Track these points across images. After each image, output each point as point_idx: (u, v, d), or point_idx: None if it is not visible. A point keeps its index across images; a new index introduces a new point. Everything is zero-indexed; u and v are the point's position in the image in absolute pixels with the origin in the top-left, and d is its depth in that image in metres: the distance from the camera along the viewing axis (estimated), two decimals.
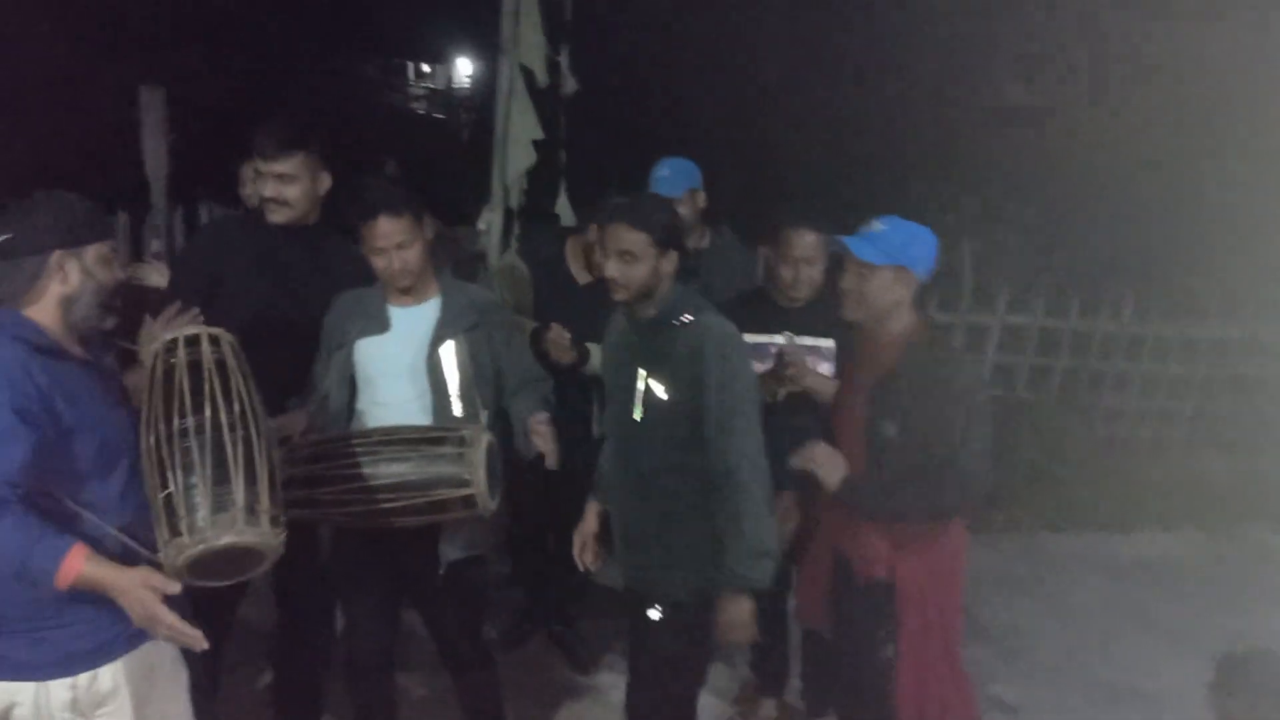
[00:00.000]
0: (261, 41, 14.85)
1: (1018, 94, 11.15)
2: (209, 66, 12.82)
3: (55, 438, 2.13)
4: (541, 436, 2.84)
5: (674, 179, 3.90)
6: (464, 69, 35.07)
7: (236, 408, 2.20)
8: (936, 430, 2.59)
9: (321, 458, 2.73)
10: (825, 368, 3.28)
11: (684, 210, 3.80)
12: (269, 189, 3.13)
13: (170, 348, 2.26)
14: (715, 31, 12.05)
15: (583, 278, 3.90)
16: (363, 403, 3.03)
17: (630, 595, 2.94)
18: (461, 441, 2.73)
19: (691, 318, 2.73)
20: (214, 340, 2.30)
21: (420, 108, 30.56)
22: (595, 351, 3.54)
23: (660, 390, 2.73)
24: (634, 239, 2.66)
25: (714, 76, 12.19)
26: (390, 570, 3.06)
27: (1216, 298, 7.34)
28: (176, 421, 2.16)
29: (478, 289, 3.19)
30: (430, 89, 34.77)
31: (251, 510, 2.13)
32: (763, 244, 3.33)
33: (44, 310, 2.24)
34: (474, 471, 2.68)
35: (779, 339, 3.31)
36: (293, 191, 3.14)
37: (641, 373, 2.76)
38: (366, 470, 2.70)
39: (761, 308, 3.38)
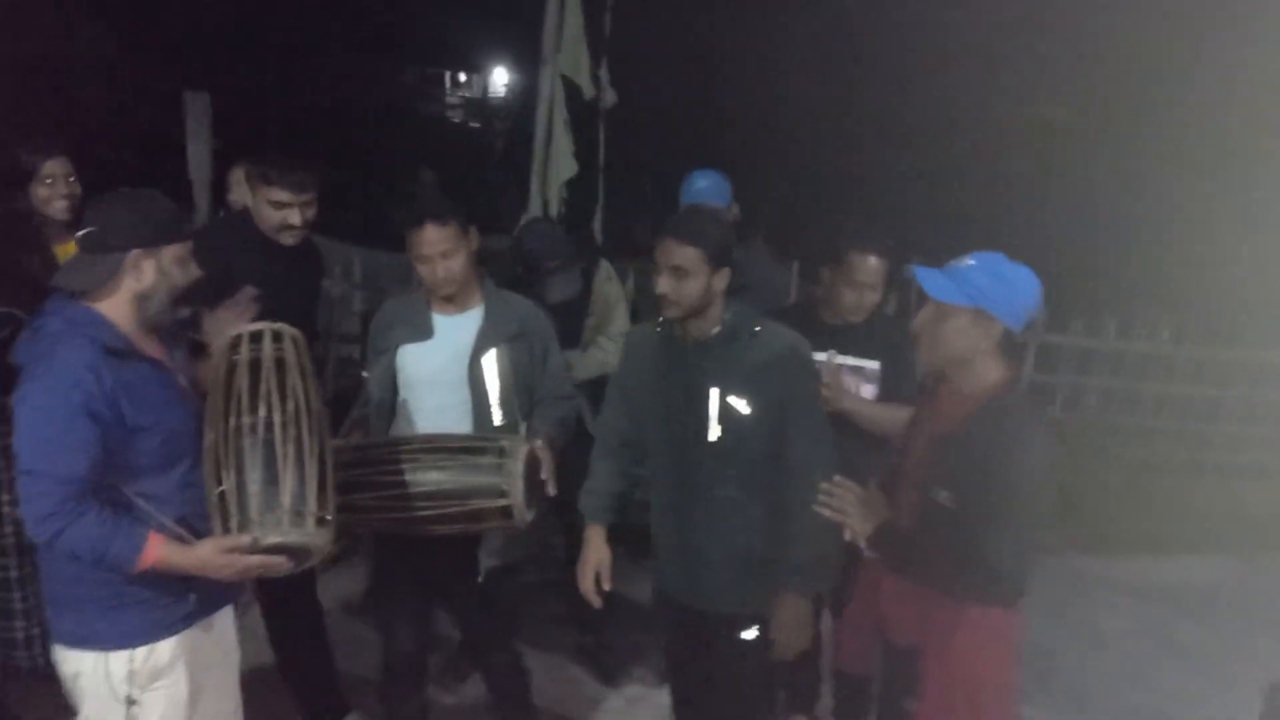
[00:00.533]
0: (303, 48, 15.03)
1: (1057, 114, 11.09)
2: (252, 72, 13.00)
3: (120, 436, 2.21)
4: (539, 463, 2.82)
5: (715, 189, 3.89)
6: (500, 78, 35.32)
7: (290, 406, 2.24)
8: (981, 508, 2.30)
9: (362, 463, 2.76)
10: (868, 390, 3.22)
11: None
12: (297, 218, 3.20)
13: (235, 344, 2.33)
14: (755, 46, 12.06)
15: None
16: (405, 408, 3.05)
17: (699, 618, 2.85)
18: (501, 452, 2.74)
19: (760, 328, 2.68)
20: (277, 337, 2.35)
21: (456, 117, 30.78)
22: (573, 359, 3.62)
23: (742, 405, 2.63)
24: (686, 254, 2.57)
25: (752, 90, 12.19)
26: (426, 576, 3.08)
27: (1254, 321, 7.26)
28: (233, 420, 2.22)
29: (520, 299, 3.21)
30: (466, 98, 35.01)
31: (298, 511, 2.20)
32: (826, 265, 3.24)
33: (117, 305, 2.30)
34: (512, 483, 2.69)
35: (821, 357, 3.22)
36: (311, 214, 3.26)
37: (715, 391, 2.65)
38: (406, 477, 2.72)
39: (806, 324, 3.23)
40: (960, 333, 2.37)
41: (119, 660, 2.33)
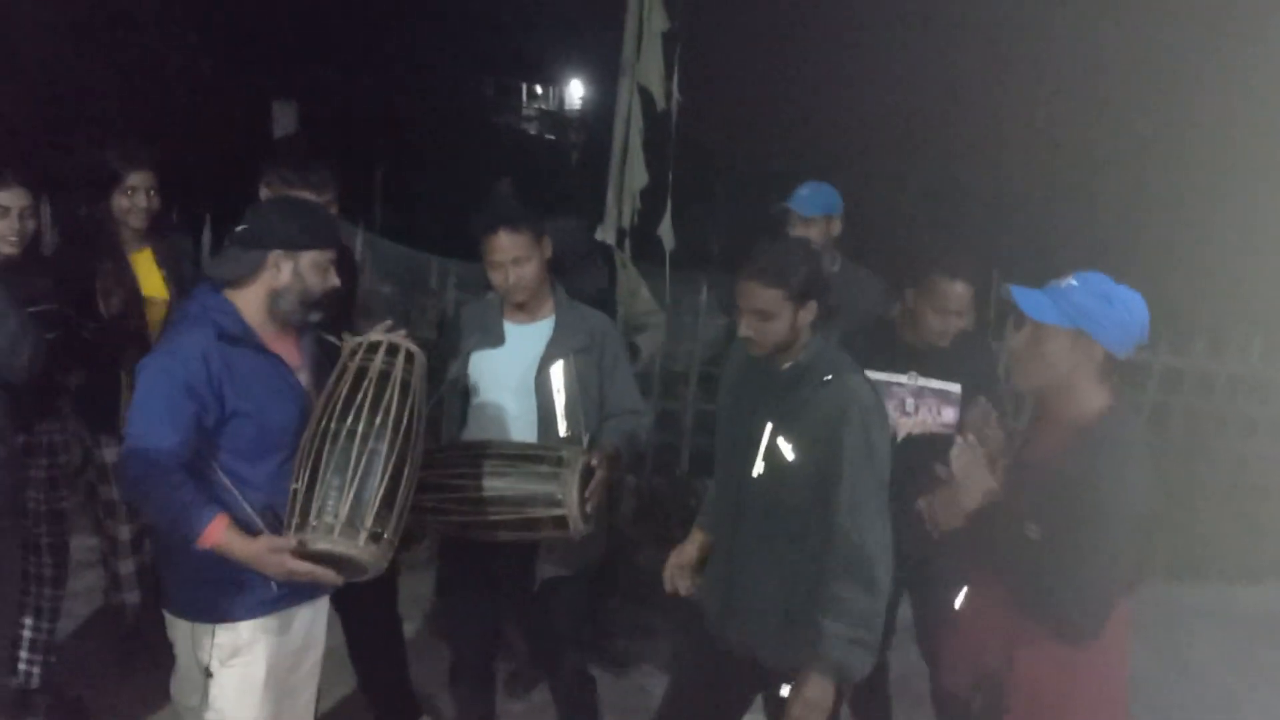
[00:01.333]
0: (387, 60, 15.36)
1: (1146, 128, 10.81)
2: (338, 83, 13.32)
3: (216, 416, 2.35)
4: (594, 480, 2.80)
5: (812, 199, 3.85)
6: (576, 91, 35.64)
7: (378, 421, 2.30)
8: (1071, 545, 2.18)
9: (424, 465, 2.79)
10: (949, 414, 3.14)
11: (815, 233, 3.77)
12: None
13: (354, 351, 2.42)
14: (834, 56, 11.98)
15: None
16: (472, 413, 3.08)
17: (729, 659, 2.71)
18: (559, 461, 2.74)
19: (832, 377, 2.51)
20: (392, 350, 2.41)
21: (532, 128, 31.12)
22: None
23: (788, 450, 2.51)
24: (768, 296, 2.45)
25: (830, 98, 12.10)
26: (491, 582, 3.10)
27: None
28: (324, 423, 2.29)
29: (592, 311, 3.22)
30: (542, 110, 35.39)
31: (352, 523, 2.25)
32: (910, 286, 3.16)
33: (249, 296, 2.44)
34: (567, 492, 2.68)
35: (903, 379, 3.19)
36: (334, 212, 3.25)
37: (769, 426, 2.54)
38: (465, 481, 2.74)
39: (889, 344, 3.21)
40: (1059, 356, 2.25)
41: (204, 632, 2.46)
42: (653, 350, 4.19)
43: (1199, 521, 6.11)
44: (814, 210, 3.83)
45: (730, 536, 2.69)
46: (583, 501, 2.71)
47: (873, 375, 3.01)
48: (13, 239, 3.15)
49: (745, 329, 2.51)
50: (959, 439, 2.48)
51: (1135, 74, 10.45)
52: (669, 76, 5.08)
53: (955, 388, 3.17)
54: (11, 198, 3.13)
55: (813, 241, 3.81)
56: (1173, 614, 5.18)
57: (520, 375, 3.00)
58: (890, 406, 3.11)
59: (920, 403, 3.17)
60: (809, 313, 2.51)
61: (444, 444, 2.96)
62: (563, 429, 2.99)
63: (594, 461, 2.79)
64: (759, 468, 2.55)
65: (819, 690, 2.43)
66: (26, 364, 2.98)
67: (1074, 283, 2.25)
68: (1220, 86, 10.35)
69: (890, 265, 3.95)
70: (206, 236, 5.12)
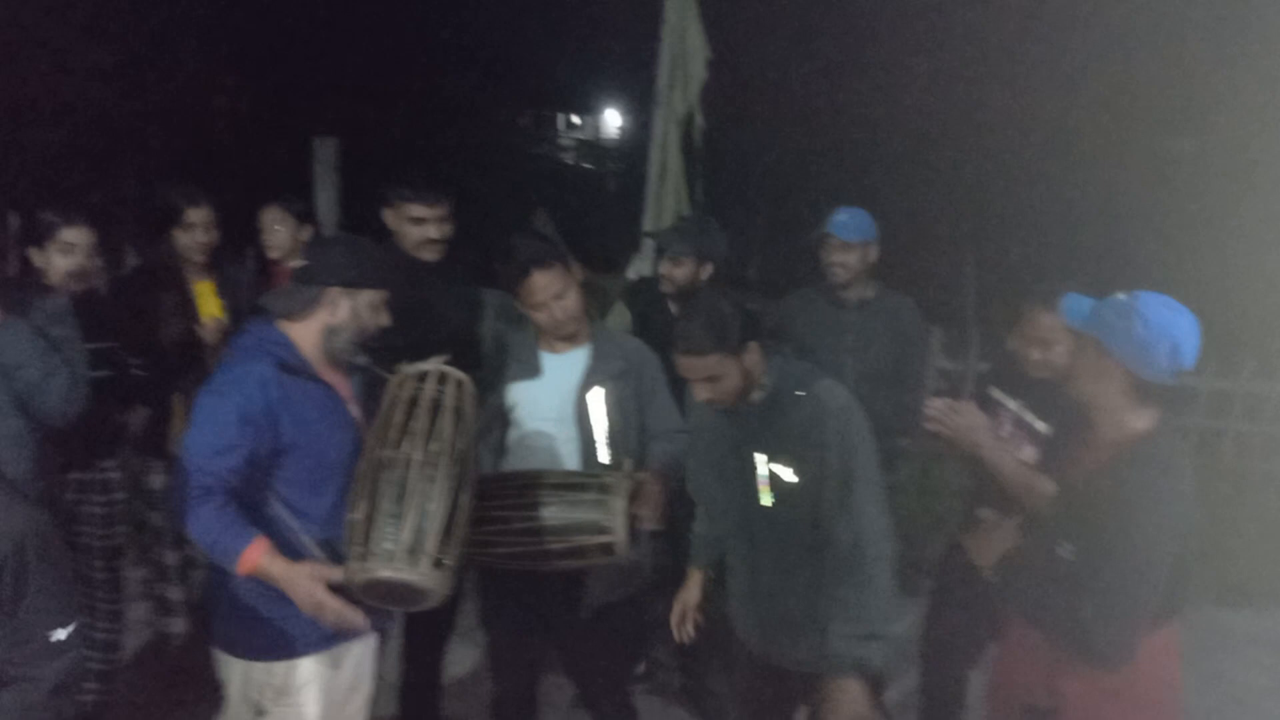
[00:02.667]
0: (425, 95, 15.57)
1: (1185, 145, 10.68)
2: (377, 119, 13.53)
3: (271, 446, 2.38)
4: (644, 497, 2.81)
5: (852, 224, 3.85)
6: (613, 120, 35.88)
7: (433, 448, 2.32)
8: (1104, 566, 2.15)
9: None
10: (1028, 452, 3.01)
11: (854, 259, 3.82)
12: (434, 231, 3.34)
13: (403, 381, 2.45)
14: (871, 87, 11.97)
15: None
16: (513, 444, 3.08)
17: (777, 673, 2.77)
18: (603, 489, 2.75)
19: (803, 392, 2.55)
20: (441, 379, 2.45)
21: (569, 158, 31.33)
22: None
23: (787, 474, 2.55)
24: (709, 364, 2.48)
25: (870, 124, 12.08)
26: (533, 612, 3.09)
27: None
28: (380, 452, 2.31)
29: (626, 336, 3.24)
30: (579, 140, 35.63)
31: (413, 550, 2.25)
32: (1007, 319, 3.21)
33: (306, 330, 2.49)
34: (614, 519, 2.69)
35: (1012, 404, 3.18)
36: (448, 229, 3.41)
37: (762, 458, 2.58)
38: (511, 513, 2.75)
39: (1010, 372, 3.22)
40: (1080, 364, 2.29)
41: (259, 670, 2.47)
42: None
43: (1250, 547, 5.98)
44: (854, 235, 3.83)
45: (749, 561, 2.73)
46: (629, 526, 2.72)
47: (995, 393, 3.19)
48: (78, 276, 3.25)
49: (702, 394, 2.54)
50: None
51: (1171, 87, 10.35)
52: (701, 101, 5.12)
53: (1042, 426, 3.09)
54: (78, 235, 3.24)
55: (849, 267, 3.84)
56: (1224, 640, 5.06)
57: (560, 404, 3.01)
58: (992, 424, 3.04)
59: (1015, 432, 3.13)
60: (753, 354, 2.54)
61: (485, 476, 2.95)
62: (604, 455, 3.00)
63: (644, 482, 2.81)
64: (768, 498, 2.59)
65: (845, 692, 2.48)
66: (59, 406, 3.02)
67: (1120, 296, 2.24)
68: (1260, 96, 10.21)
69: (934, 291, 3.94)
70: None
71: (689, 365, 2.51)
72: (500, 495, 2.78)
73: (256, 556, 2.30)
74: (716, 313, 2.52)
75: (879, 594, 2.48)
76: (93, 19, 10.11)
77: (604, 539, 2.70)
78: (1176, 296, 2.25)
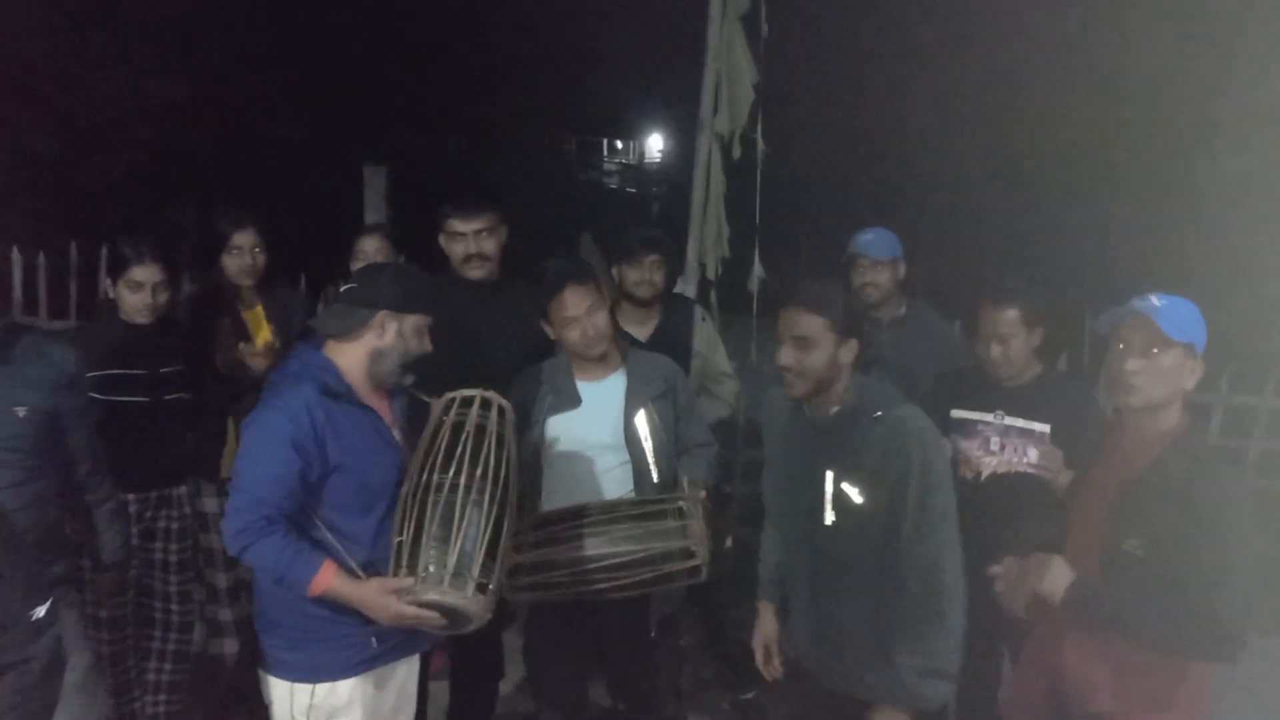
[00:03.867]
0: (473, 124, 15.79)
1: (1237, 162, 10.48)
2: (426, 147, 13.74)
3: (319, 471, 2.41)
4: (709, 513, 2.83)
5: (879, 243, 3.87)
6: (656, 144, 36.07)
7: (479, 472, 2.35)
8: (1191, 555, 2.19)
9: (548, 541, 2.79)
10: (1035, 454, 3.09)
11: (885, 277, 3.83)
12: (474, 246, 3.37)
13: (447, 406, 2.49)
14: (913, 108, 11.92)
15: (641, 332, 3.86)
16: (555, 478, 3.06)
17: (833, 698, 2.72)
18: (680, 514, 2.77)
19: (882, 413, 2.49)
20: (485, 404, 2.48)
21: (613, 182, 31.55)
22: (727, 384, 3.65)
23: (854, 494, 2.50)
24: (810, 323, 2.46)
25: (918, 142, 12.03)
26: (588, 637, 3.08)
27: None
28: (425, 476, 2.34)
29: (660, 356, 3.25)
30: (623, 164, 35.86)
31: (459, 574, 2.27)
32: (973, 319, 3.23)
33: (352, 353, 2.52)
34: (699, 544, 2.72)
35: (989, 417, 3.20)
36: (490, 246, 3.39)
37: (830, 475, 2.54)
38: (597, 550, 2.74)
39: (976, 383, 3.25)
40: (1175, 371, 2.31)
41: (303, 692, 2.50)
42: (732, 403, 4.18)
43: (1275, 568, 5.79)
44: (883, 253, 3.84)
45: (809, 584, 2.69)
46: (709, 546, 2.75)
47: (959, 414, 3.17)
48: (145, 311, 3.35)
49: (784, 357, 2.49)
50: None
51: (1224, 104, 10.17)
52: (754, 125, 5.13)
53: (1043, 428, 3.13)
54: (146, 273, 3.34)
55: (880, 286, 3.84)
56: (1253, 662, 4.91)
57: (607, 431, 3.02)
58: (974, 445, 3.17)
59: (1006, 442, 3.16)
60: (849, 350, 2.50)
61: (555, 516, 2.91)
62: (655, 476, 3.00)
63: (704, 499, 2.85)
64: (830, 517, 2.54)
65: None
66: (113, 548, 3.05)
67: (1166, 301, 2.33)
68: None
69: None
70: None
71: (790, 317, 2.49)
72: (583, 534, 2.76)
73: (328, 580, 2.34)
74: (839, 290, 2.57)
75: (951, 631, 2.43)
76: (158, 51, 10.40)
77: (692, 563, 2.73)
78: (1230, 317, 2.26)
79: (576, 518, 2.83)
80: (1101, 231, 10.52)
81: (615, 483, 3.02)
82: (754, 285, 5.21)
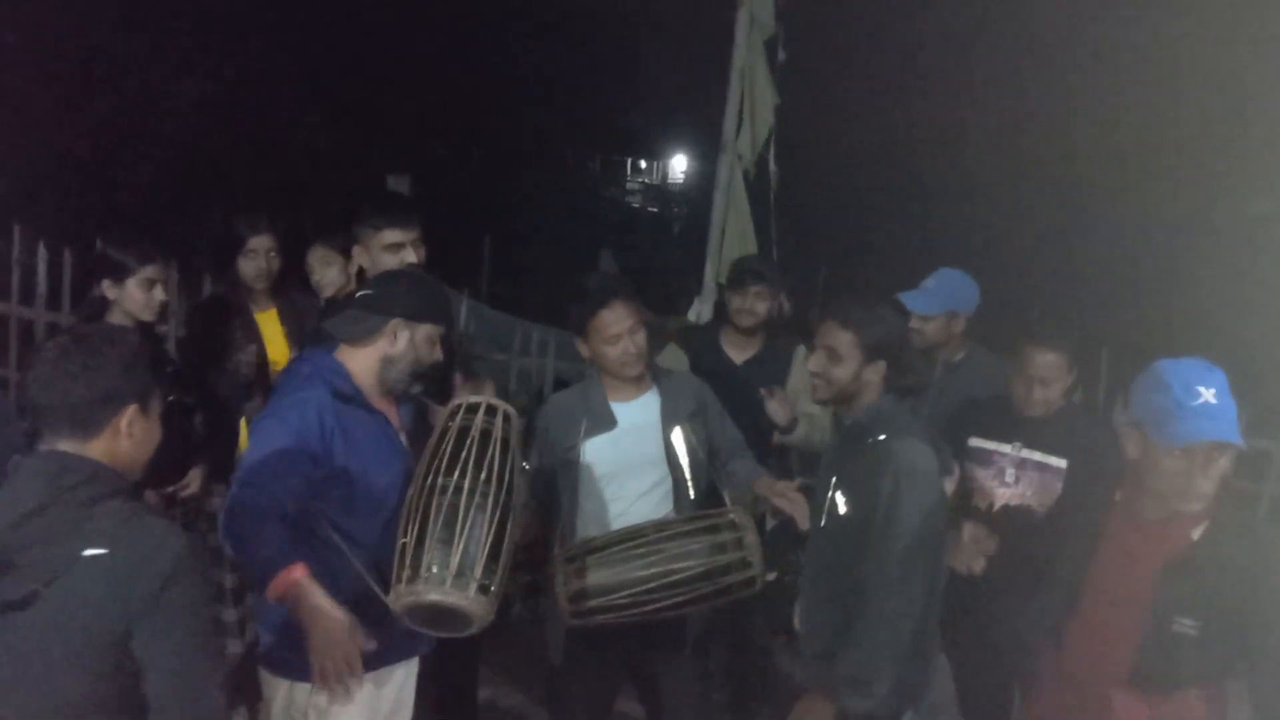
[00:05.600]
0: (497, 138, 15.90)
1: (1265, 207, 10.44)
2: (449, 159, 13.85)
3: (326, 472, 2.42)
4: (791, 500, 2.83)
5: (922, 299, 3.56)
6: (679, 165, 36.24)
7: (483, 476, 2.35)
8: (1254, 628, 2.16)
9: (607, 564, 2.76)
10: (1050, 488, 3.07)
11: (932, 328, 3.60)
12: (413, 255, 3.15)
13: (454, 412, 2.49)
14: (933, 132, 11.93)
15: (739, 357, 3.91)
16: (594, 501, 3.02)
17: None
18: (734, 526, 2.77)
19: (884, 438, 2.54)
20: (491, 411, 2.49)
21: (635, 202, 31.66)
22: (802, 423, 3.56)
23: (842, 503, 2.61)
24: (840, 338, 2.58)
25: (936, 169, 12.03)
26: (628, 651, 3.06)
27: None
28: (430, 479, 2.35)
29: (686, 375, 3.26)
30: (645, 184, 36.01)
31: (461, 575, 2.26)
32: (1007, 356, 3.22)
33: (363, 358, 2.55)
34: (755, 554, 2.73)
35: (1007, 448, 3.19)
36: (423, 253, 3.18)
37: (833, 481, 2.66)
38: (658, 569, 2.72)
39: (997, 413, 3.24)
40: (1213, 473, 2.22)
41: (301, 691, 2.49)
42: (809, 444, 4.12)
43: None
44: (929, 309, 3.58)
45: (807, 576, 2.81)
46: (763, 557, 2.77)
47: (977, 443, 3.18)
48: (153, 309, 3.39)
49: (814, 363, 2.64)
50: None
51: (1250, 148, 10.14)
52: (768, 148, 5.16)
53: (1060, 462, 3.11)
54: (157, 272, 3.37)
55: (926, 336, 3.68)
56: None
57: (645, 452, 3.01)
58: (989, 474, 3.16)
59: (1021, 474, 3.14)
60: (875, 371, 2.58)
61: (609, 539, 2.85)
62: (693, 493, 3.01)
63: (775, 494, 2.87)
64: (823, 519, 2.67)
65: (814, 711, 2.56)
66: None
67: (1229, 409, 2.20)
68: None
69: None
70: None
71: (825, 329, 2.63)
72: (640, 555, 2.74)
73: (295, 576, 2.20)
74: (875, 308, 2.64)
75: (877, 652, 2.44)
76: (188, 53, 10.54)
77: (748, 574, 2.73)
78: (1249, 360, 2.23)
79: (632, 539, 2.80)
80: (1121, 267, 10.49)
81: (655, 502, 3.01)
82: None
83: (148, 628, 1.72)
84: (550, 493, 3.08)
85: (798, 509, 2.80)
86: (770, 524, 3.74)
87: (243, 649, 3.89)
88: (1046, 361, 3.07)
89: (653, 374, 3.09)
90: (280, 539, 2.28)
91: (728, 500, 2.90)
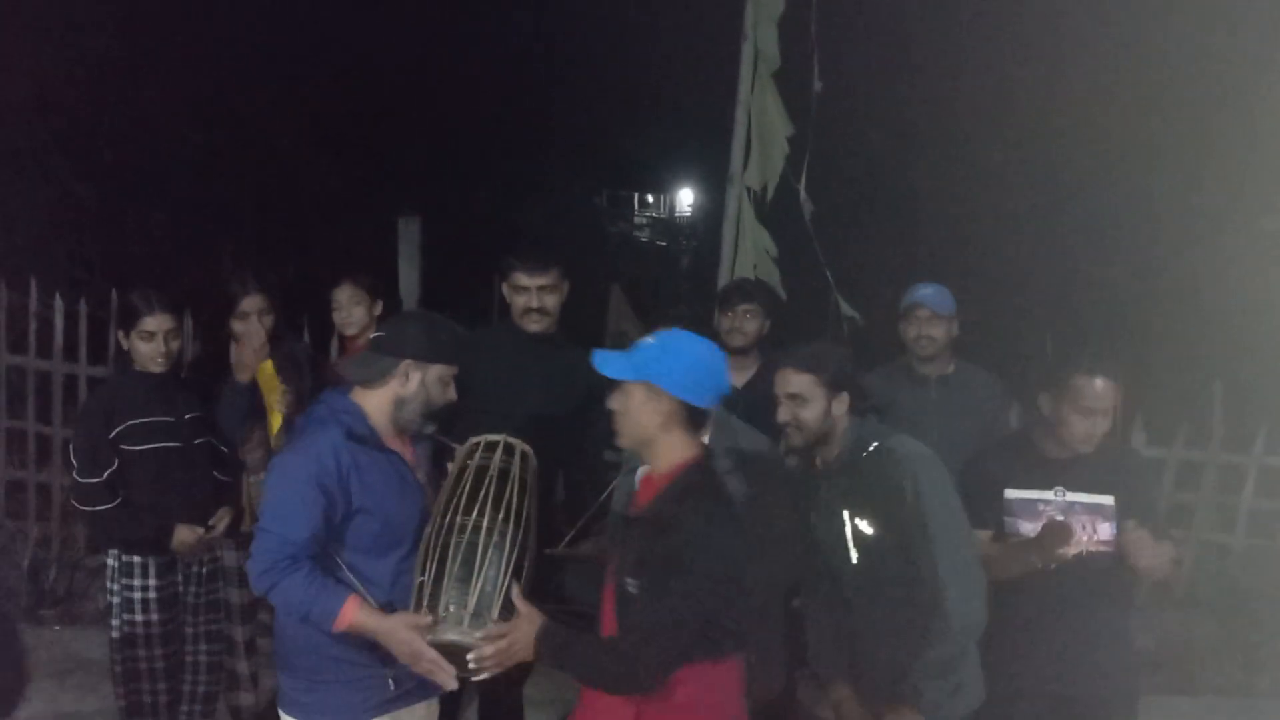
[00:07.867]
0: (505, 177, 16.01)
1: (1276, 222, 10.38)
2: (459, 200, 13.93)
3: (343, 512, 2.45)
4: None
5: (939, 298, 3.85)
6: (686, 198, 36.41)
7: (500, 515, 2.37)
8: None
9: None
10: (1105, 529, 2.91)
11: (940, 332, 3.82)
12: (535, 301, 3.41)
13: (471, 451, 2.52)
14: (952, 160, 11.93)
15: (738, 379, 3.88)
16: None
17: None
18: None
19: (876, 445, 2.66)
20: (509, 449, 2.52)
21: (643, 235, 31.82)
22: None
23: (866, 527, 2.65)
24: (802, 381, 2.68)
25: (953, 196, 12.01)
26: None
27: None
28: (449, 518, 2.36)
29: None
30: (653, 217, 36.20)
31: (479, 615, 2.27)
32: (1044, 389, 2.98)
33: (377, 399, 2.58)
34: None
35: (1050, 495, 2.95)
36: (551, 301, 3.42)
37: (845, 514, 2.69)
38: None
39: (1027, 458, 3.02)
40: None
41: None
42: None
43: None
44: (944, 309, 3.82)
45: (853, 626, 2.77)
46: None
47: (1016, 494, 2.96)
48: (159, 359, 3.41)
49: (782, 414, 2.71)
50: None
51: (1258, 165, 10.11)
52: (798, 178, 5.18)
53: (1108, 500, 2.92)
54: (157, 322, 3.40)
55: (936, 340, 3.81)
56: None
57: None
58: (1035, 526, 2.90)
59: (1073, 519, 2.90)
60: (841, 403, 2.70)
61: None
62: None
63: None
64: (854, 555, 2.68)
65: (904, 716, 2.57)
66: None
67: None
68: None
69: (1016, 369, 3.85)
70: (335, 345, 5.36)
71: (782, 377, 2.73)
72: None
73: (353, 614, 2.35)
74: (827, 347, 2.81)
75: (958, 639, 2.54)
76: (198, 102, 10.65)
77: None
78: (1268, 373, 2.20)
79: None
80: (1136, 284, 10.44)
81: None
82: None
83: None
84: None
85: None
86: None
87: (254, 700, 3.87)
88: (1099, 391, 2.87)
89: None
90: (318, 582, 2.36)
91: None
